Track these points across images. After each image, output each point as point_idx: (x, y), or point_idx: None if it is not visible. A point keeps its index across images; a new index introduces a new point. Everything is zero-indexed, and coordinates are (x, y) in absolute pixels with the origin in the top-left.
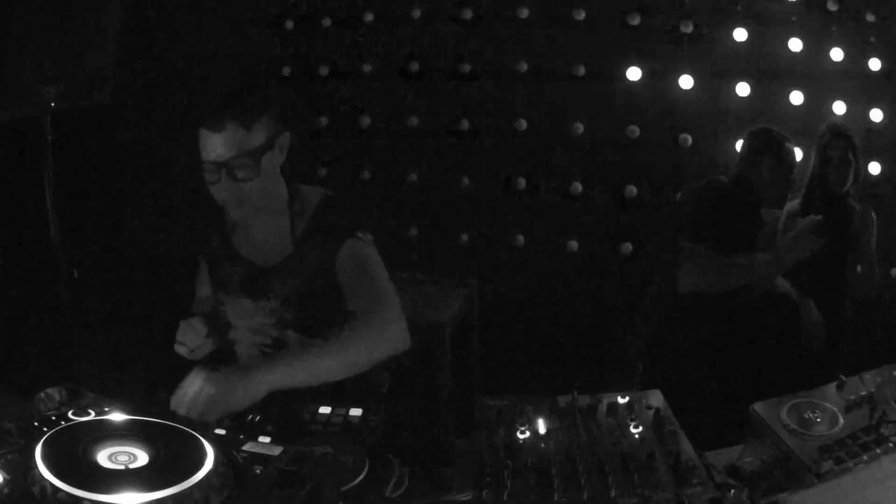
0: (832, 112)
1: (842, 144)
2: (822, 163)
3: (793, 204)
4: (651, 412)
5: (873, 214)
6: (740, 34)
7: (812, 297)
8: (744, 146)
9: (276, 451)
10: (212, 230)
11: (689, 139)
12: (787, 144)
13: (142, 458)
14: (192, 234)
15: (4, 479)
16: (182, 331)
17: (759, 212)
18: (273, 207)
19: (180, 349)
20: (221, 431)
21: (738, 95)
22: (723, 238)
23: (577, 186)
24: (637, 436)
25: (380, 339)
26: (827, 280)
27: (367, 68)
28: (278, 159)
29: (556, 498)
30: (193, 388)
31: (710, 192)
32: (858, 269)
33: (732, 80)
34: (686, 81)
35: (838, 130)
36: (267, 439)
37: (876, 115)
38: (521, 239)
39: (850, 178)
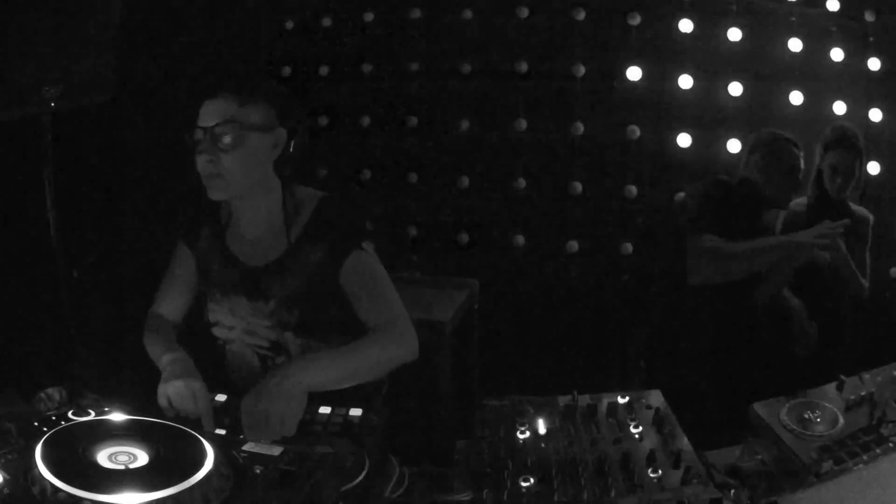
0: (833, 112)
1: (848, 153)
2: (828, 169)
3: (796, 203)
4: (651, 412)
5: (871, 216)
6: (738, 34)
7: (808, 300)
8: (748, 149)
9: (276, 451)
10: (205, 227)
11: (689, 139)
12: (793, 149)
13: (142, 458)
14: (187, 226)
15: (4, 479)
16: (177, 394)
17: (760, 213)
18: (260, 198)
19: (168, 413)
20: (221, 431)
21: (737, 95)
22: (726, 234)
23: (577, 186)
24: (637, 436)
25: (397, 349)
26: (825, 280)
27: (367, 68)
28: (269, 149)
29: (556, 498)
30: (248, 416)
31: (714, 188)
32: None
33: (732, 80)
34: (686, 81)
35: (844, 137)
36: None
37: (876, 115)
38: (520, 239)
39: (852, 185)
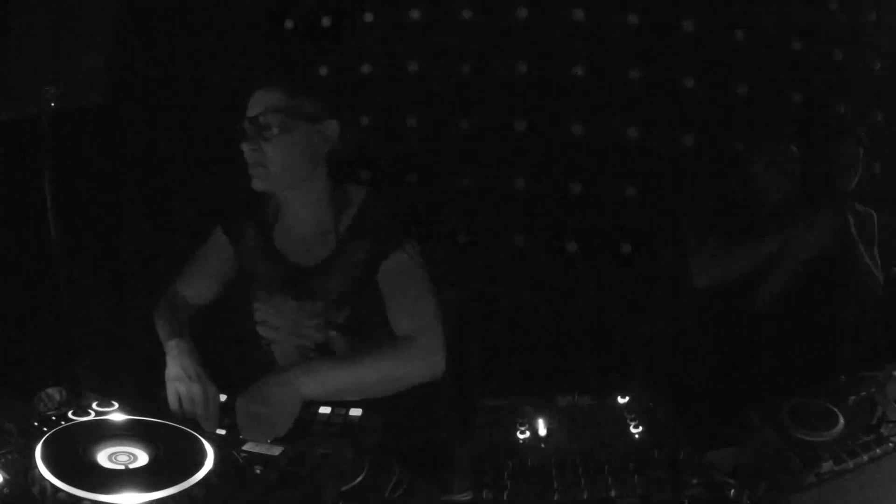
0: (835, 111)
1: (850, 142)
2: (828, 161)
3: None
4: (651, 412)
5: (875, 215)
6: (740, 33)
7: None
8: (747, 149)
9: (276, 451)
10: (250, 226)
11: (691, 139)
12: (793, 148)
13: (142, 458)
14: (233, 222)
15: (4, 479)
16: (190, 398)
17: (762, 213)
18: (308, 192)
19: (176, 413)
20: (222, 431)
21: (737, 95)
22: (730, 236)
23: (577, 186)
24: (637, 436)
25: (420, 366)
26: (827, 281)
27: (367, 68)
28: (319, 141)
29: (556, 498)
30: (241, 415)
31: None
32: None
33: (731, 80)
34: (686, 81)
35: (845, 127)
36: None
37: (875, 115)
38: (520, 238)
39: (857, 176)
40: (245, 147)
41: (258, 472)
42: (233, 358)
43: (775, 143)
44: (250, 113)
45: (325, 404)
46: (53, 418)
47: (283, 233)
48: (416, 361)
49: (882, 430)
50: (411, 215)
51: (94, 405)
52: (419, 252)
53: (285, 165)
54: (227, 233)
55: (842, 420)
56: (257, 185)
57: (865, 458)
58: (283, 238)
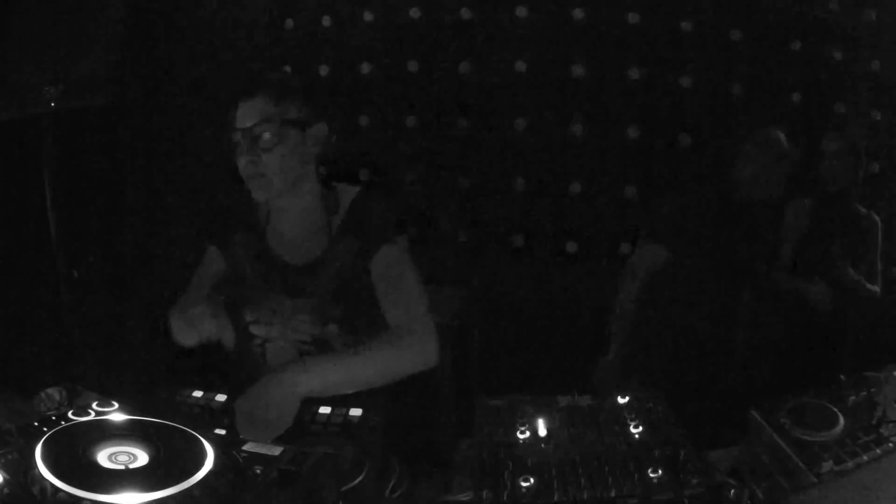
0: (833, 111)
1: (837, 139)
2: (826, 158)
3: (798, 203)
4: (651, 412)
5: (878, 219)
6: (738, 34)
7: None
8: (740, 145)
9: (276, 451)
10: (242, 232)
11: (689, 139)
12: (781, 136)
13: (142, 458)
14: (219, 231)
15: (4, 479)
16: (194, 316)
17: (750, 210)
18: (300, 195)
19: (191, 338)
20: (221, 431)
21: (736, 95)
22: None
23: (577, 186)
24: (637, 436)
25: (412, 354)
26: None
27: (366, 68)
28: (308, 144)
29: (555, 498)
30: (241, 417)
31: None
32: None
33: (731, 80)
34: (685, 81)
35: (836, 126)
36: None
37: (875, 115)
38: (520, 239)
39: (845, 175)
40: (242, 160)
41: (258, 472)
42: (227, 358)
43: (762, 131)
44: (242, 125)
45: (325, 404)
46: (53, 418)
47: (276, 234)
48: (409, 351)
49: (882, 430)
50: (400, 211)
51: (94, 405)
52: (407, 247)
53: (282, 173)
54: (220, 247)
55: (842, 420)
56: (258, 195)
57: (865, 458)
58: (275, 239)
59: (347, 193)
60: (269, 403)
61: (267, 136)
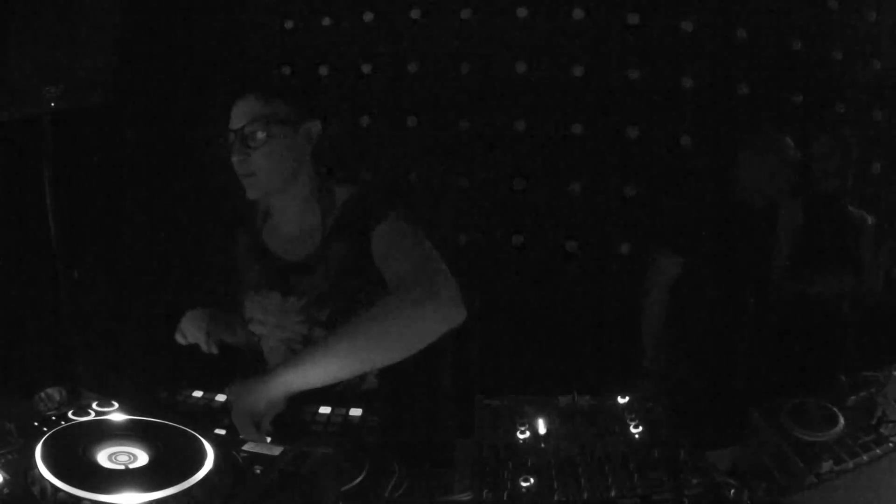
0: (833, 112)
1: (828, 140)
2: (816, 161)
3: (792, 204)
4: (651, 412)
5: (870, 220)
6: (740, 33)
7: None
8: (742, 148)
9: (276, 451)
10: (241, 227)
11: (689, 139)
12: (785, 140)
13: (142, 458)
14: (219, 233)
15: (4, 479)
16: (185, 321)
17: (752, 213)
18: (295, 193)
19: (179, 339)
20: (221, 431)
21: (737, 95)
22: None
23: (577, 186)
24: (637, 436)
25: (427, 309)
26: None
27: (367, 68)
28: (302, 142)
29: (555, 498)
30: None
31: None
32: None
33: (731, 80)
34: (686, 81)
35: (827, 127)
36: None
37: (875, 115)
38: (520, 239)
39: (837, 176)
40: (235, 159)
41: (258, 472)
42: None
43: (764, 135)
44: (234, 125)
45: (325, 404)
46: (53, 418)
47: (272, 231)
48: (422, 306)
49: (882, 430)
50: (393, 193)
51: (94, 405)
52: (404, 215)
53: (273, 171)
54: (224, 248)
55: (842, 420)
56: (252, 193)
57: (865, 458)
58: (271, 236)
59: (343, 192)
60: (247, 402)
61: (258, 135)
